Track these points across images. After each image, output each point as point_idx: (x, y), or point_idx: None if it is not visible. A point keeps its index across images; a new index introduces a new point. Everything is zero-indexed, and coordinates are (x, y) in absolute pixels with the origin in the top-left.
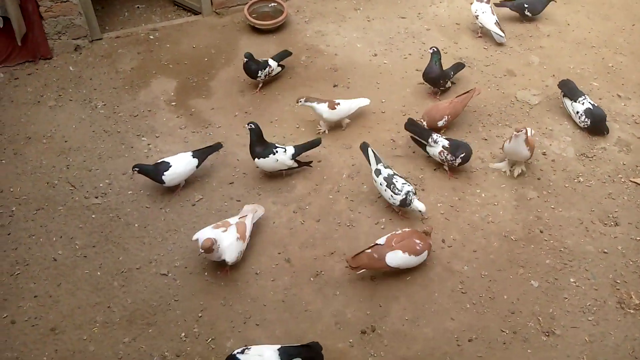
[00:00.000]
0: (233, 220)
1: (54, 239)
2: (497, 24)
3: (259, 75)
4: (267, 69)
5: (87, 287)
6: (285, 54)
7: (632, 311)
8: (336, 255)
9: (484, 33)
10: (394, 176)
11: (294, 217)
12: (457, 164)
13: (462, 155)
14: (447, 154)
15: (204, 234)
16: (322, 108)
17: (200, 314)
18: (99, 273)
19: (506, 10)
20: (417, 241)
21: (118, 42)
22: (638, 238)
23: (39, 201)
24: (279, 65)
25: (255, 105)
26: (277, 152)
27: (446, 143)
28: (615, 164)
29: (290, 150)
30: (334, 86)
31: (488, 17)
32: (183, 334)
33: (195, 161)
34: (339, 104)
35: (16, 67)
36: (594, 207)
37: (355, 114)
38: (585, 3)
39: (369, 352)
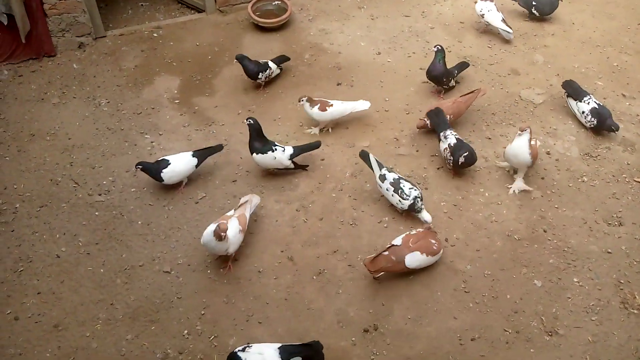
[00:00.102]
0: (231, 213)
1: (58, 236)
2: (504, 20)
3: (259, 77)
4: (267, 71)
5: (90, 284)
6: (284, 59)
7: (635, 311)
8: (339, 254)
9: (487, 31)
10: (400, 180)
11: (296, 216)
12: (451, 164)
13: (460, 157)
14: (448, 152)
15: (209, 230)
16: (313, 111)
17: (203, 312)
18: (102, 270)
19: (510, 9)
20: (433, 241)
21: (122, 40)
22: None
23: (42, 198)
24: (278, 67)
25: (259, 104)
26: (275, 149)
27: (453, 142)
28: (619, 163)
29: (289, 150)
30: (338, 84)
31: (494, 15)
32: (186, 332)
33: (195, 160)
34: (331, 105)
35: (20, 65)
36: (598, 207)
37: (356, 115)
38: (591, 2)
39: (371, 351)
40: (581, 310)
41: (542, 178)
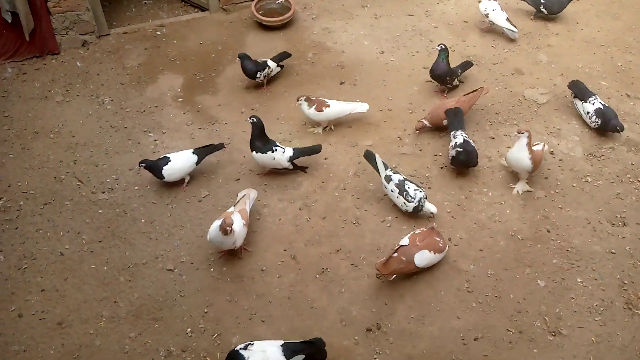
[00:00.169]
0: (232, 209)
1: (61, 233)
2: (508, 20)
3: (257, 76)
4: (266, 69)
5: (94, 281)
6: (285, 56)
7: (639, 312)
8: (342, 253)
9: (491, 31)
10: (405, 182)
11: (299, 214)
12: (450, 161)
13: (454, 151)
14: (451, 149)
15: (215, 226)
16: (310, 111)
17: (206, 310)
18: (105, 268)
19: (514, 8)
20: (438, 238)
21: (125, 38)
22: None
23: (46, 196)
24: (278, 65)
25: (262, 102)
26: (275, 150)
27: (459, 142)
28: (623, 163)
29: (289, 152)
30: (341, 83)
31: (499, 14)
32: (189, 330)
33: (195, 158)
34: (328, 105)
35: (24, 62)
36: (602, 207)
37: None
38: (595, 2)
39: (374, 350)
40: (585, 310)
41: (546, 178)
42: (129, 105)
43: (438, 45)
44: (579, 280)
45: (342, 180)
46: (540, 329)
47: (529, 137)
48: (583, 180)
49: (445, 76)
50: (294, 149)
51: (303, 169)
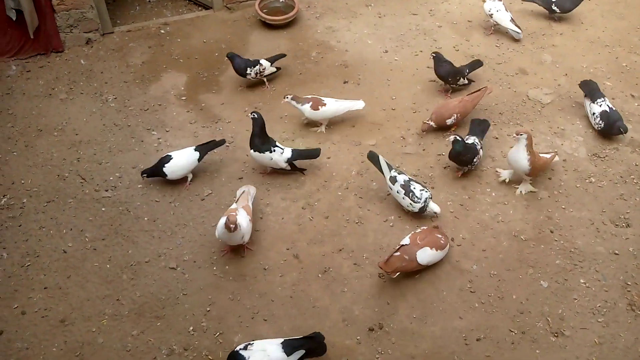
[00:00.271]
0: (235, 206)
1: (64, 231)
2: (512, 20)
3: (248, 72)
4: (257, 67)
5: (97, 279)
6: (280, 56)
7: None
8: (344, 252)
9: (496, 31)
10: (411, 182)
11: (302, 213)
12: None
13: (453, 143)
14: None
15: (222, 223)
16: (305, 108)
17: (208, 308)
18: (108, 266)
19: (518, 8)
20: (439, 236)
21: (129, 36)
22: None
23: (49, 193)
24: (273, 65)
25: (265, 101)
26: (274, 151)
27: (469, 141)
28: (627, 164)
29: (287, 153)
30: (345, 82)
31: (503, 15)
32: (191, 328)
33: (197, 154)
34: (324, 104)
35: (28, 60)
36: (606, 208)
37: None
38: (600, 1)
39: (376, 350)
40: (587, 311)
41: (550, 178)
42: (132, 103)
43: (431, 54)
44: (582, 281)
45: (345, 179)
46: (543, 329)
47: (529, 138)
48: (587, 180)
49: (447, 77)
50: (292, 151)
51: (301, 170)
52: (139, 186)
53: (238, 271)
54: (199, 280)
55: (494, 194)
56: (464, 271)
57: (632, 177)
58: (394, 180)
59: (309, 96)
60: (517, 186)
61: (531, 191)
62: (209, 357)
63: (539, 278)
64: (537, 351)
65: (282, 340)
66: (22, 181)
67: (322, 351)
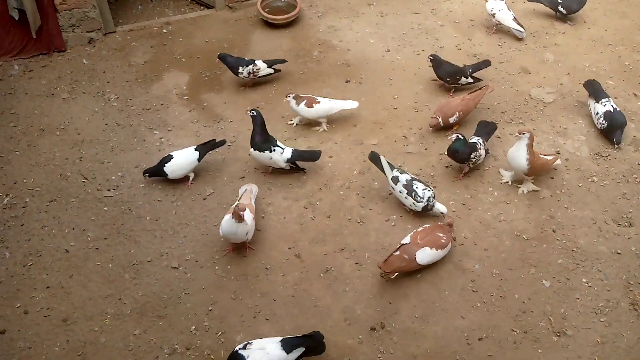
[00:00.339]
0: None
1: (67, 230)
2: (515, 19)
3: (240, 71)
4: (250, 66)
5: (99, 279)
6: (280, 61)
7: None
8: (346, 252)
9: (498, 30)
10: (413, 181)
11: (304, 213)
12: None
13: (454, 141)
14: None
15: (227, 218)
16: (300, 107)
17: (210, 308)
18: (110, 265)
19: (520, 7)
20: (441, 235)
21: (131, 36)
22: None
23: (52, 193)
24: (270, 67)
25: (267, 100)
26: (274, 150)
27: (473, 141)
28: (630, 163)
29: (287, 153)
30: (346, 82)
31: (505, 14)
32: (193, 327)
33: (197, 154)
34: (318, 102)
35: (31, 60)
36: (608, 207)
37: (364, 112)
38: (602, 0)
39: (378, 349)
40: (590, 311)
41: (552, 178)
42: (134, 102)
43: (429, 57)
44: (584, 280)
45: (346, 178)
46: (545, 329)
47: (531, 138)
48: (589, 180)
49: (446, 77)
50: (293, 151)
51: (302, 170)
52: (141, 185)
53: (240, 270)
54: (201, 279)
55: (496, 194)
56: (466, 271)
57: (634, 176)
58: (396, 180)
59: (303, 95)
60: (519, 185)
61: (534, 190)
62: (211, 356)
63: (541, 277)
64: (540, 351)
65: (281, 338)
66: (25, 180)
67: (321, 350)
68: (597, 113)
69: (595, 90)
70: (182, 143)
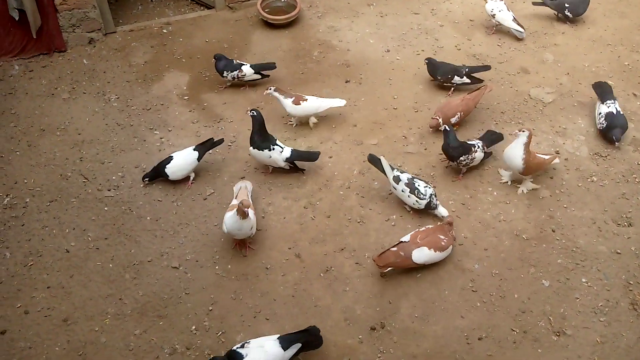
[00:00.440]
0: (236, 202)
1: (67, 230)
2: (515, 20)
3: (224, 75)
4: (235, 72)
5: (99, 279)
6: (269, 66)
7: None
8: (346, 251)
9: (497, 30)
10: (414, 180)
11: (304, 213)
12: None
13: (447, 145)
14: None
15: (230, 215)
16: (287, 102)
17: (210, 308)
18: (110, 265)
19: (520, 7)
20: (442, 237)
21: (131, 36)
22: None
23: (52, 193)
24: (257, 73)
25: (268, 100)
26: (273, 149)
27: (471, 142)
28: (629, 163)
29: (286, 153)
30: (346, 82)
31: (505, 15)
32: (193, 327)
33: (196, 154)
34: (306, 100)
35: (31, 60)
36: (607, 207)
37: (364, 112)
38: (602, 0)
39: (378, 349)
40: (589, 310)
41: (551, 177)
42: (135, 102)
43: (425, 61)
44: (583, 280)
45: (346, 178)
46: (545, 329)
47: (529, 137)
48: (589, 179)
49: (438, 75)
50: (292, 151)
51: (301, 170)
52: (142, 186)
53: (240, 270)
54: (201, 279)
55: (495, 193)
56: (465, 270)
57: (634, 176)
58: (397, 179)
59: (293, 93)
60: (518, 185)
61: (533, 188)
62: (211, 356)
63: (540, 277)
64: (539, 350)
65: (278, 335)
66: (25, 181)
67: (318, 344)
68: (600, 113)
69: (603, 91)
70: (183, 143)
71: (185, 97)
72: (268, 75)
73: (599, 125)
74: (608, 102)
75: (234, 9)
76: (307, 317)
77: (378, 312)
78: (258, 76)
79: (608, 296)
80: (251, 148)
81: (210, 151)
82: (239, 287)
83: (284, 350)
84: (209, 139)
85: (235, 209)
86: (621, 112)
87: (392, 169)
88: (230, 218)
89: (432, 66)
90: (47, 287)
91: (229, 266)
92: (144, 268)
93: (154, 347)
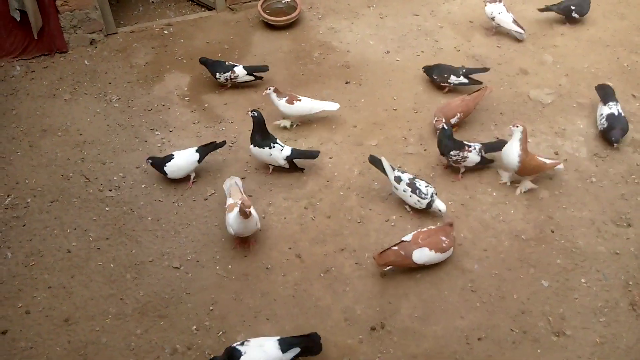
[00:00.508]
0: (232, 201)
1: (68, 230)
2: (515, 21)
3: (217, 77)
4: (228, 73)
5: (100, 279)
6: (262, 69)
7: None
8: (346, 252)
9: (497, 31)
10: (415, 180)
11: (304, 213)
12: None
13: (439, 141)
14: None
15: (234, 215)
16: (280, 102)
17: (211, 308)
18: (112, 265)
19: (519, 9)
20: (443, 238)
21: (133, 37)
22: None
23: (53, 193)
24: (250, 74)
25: (268, 101)
26: (274, 147)
27: (472, 144)
28: (628, 164)
29: (286, 151)
30: (346, 83)
31: (505, 17)
32: (194, 327)
33: (197, 155)
34: (299, 100)
35: (32, 60)
36: (607, 208)
37: (365, 113)
38: (601, 1)
39: (378, 349)
40: (589, 311)
41: (550, 178)
42: (136, 103)
43: (422, 69)
44: (583, 280)
45: (347, 179)
46: (544, 329)
47: (524, 132)
48: (588, 180)
49: (433, 74)
50: (292, 149)
51: (301, 169)
52: (143, 186)
53: (241, 270)
54: (202, 279)
55: (494, 194)
56: (465, 271)
57: (633, 177)
58: (398, 180)
59: (287, 92)
60: (517, 185)
61: (531, 188)
62: (212, 356)
63: (540, 278)
64: (539, 351)
65: (278, 337)
66: (27, 181)
67: (317, 350)
68: (601, 114)
69: (605, 93)
70: (184, 144)
71: (186, 98)
72: (261, 77)
73: (600, 126)
74: (610, 103)
75: (234, 11)
76: (308, 317)
77: (378, 312)
78: (251, 77)
79: (607, 297)
80: (252, 146)
81: (211, 152)
82: (240, 287)
83: (283, 353)
84: (211, 142)
85: (236, 210)
86: (623, 114)
87: (393, 169)
88: (234, 220)
89: (429, 69)
90: (49, 287)
91: (230, 266)
92: (145, 268)
93: (155, 347)
